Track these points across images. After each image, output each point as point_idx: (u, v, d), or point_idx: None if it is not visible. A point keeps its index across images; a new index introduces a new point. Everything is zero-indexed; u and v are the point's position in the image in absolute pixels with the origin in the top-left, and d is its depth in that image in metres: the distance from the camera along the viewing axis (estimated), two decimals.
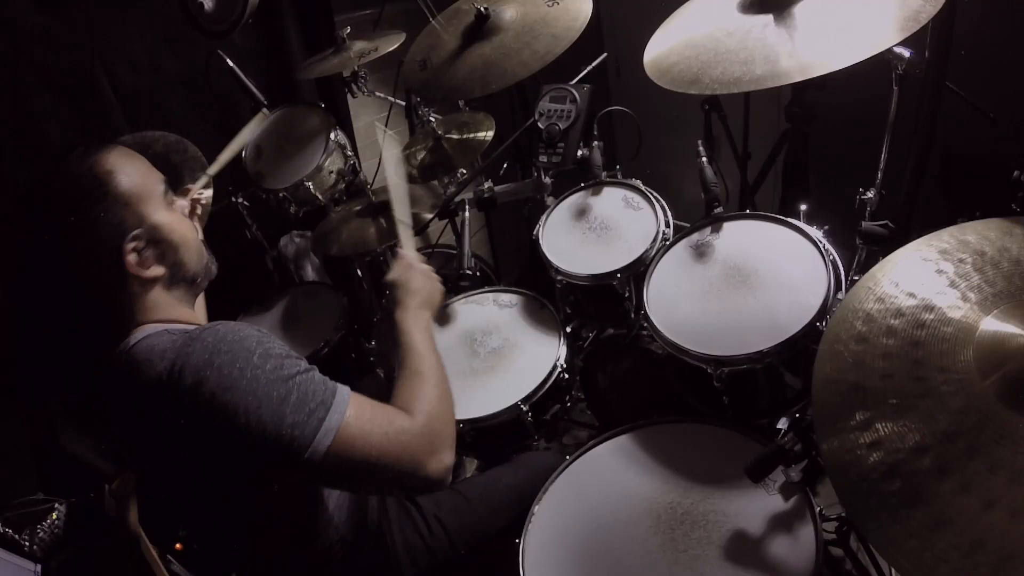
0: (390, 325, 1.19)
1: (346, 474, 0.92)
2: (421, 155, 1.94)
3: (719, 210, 1.52)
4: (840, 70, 1.08)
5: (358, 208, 2.01)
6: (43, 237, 0.93)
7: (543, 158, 1.78)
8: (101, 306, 0.97)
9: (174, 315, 1.01)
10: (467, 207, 1.89)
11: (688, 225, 1.54)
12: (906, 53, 1.33)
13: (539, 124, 1.78)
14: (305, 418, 0.87)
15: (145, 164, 1.02)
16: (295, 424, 0.86)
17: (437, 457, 0.96)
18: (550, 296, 1.69)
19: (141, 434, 0.96)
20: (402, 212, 1.49)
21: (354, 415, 0.91)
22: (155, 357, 0.89)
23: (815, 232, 1.36)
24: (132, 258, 0.95)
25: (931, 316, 0.84)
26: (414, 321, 1.18)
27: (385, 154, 1.59)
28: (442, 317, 1.75)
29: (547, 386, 1.49)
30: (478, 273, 1.92)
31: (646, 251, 1.52)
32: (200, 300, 1.13)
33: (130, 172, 0.97)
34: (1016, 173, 1.25)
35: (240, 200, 2.05)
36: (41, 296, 0.98)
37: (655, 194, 1.65)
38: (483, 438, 1.48)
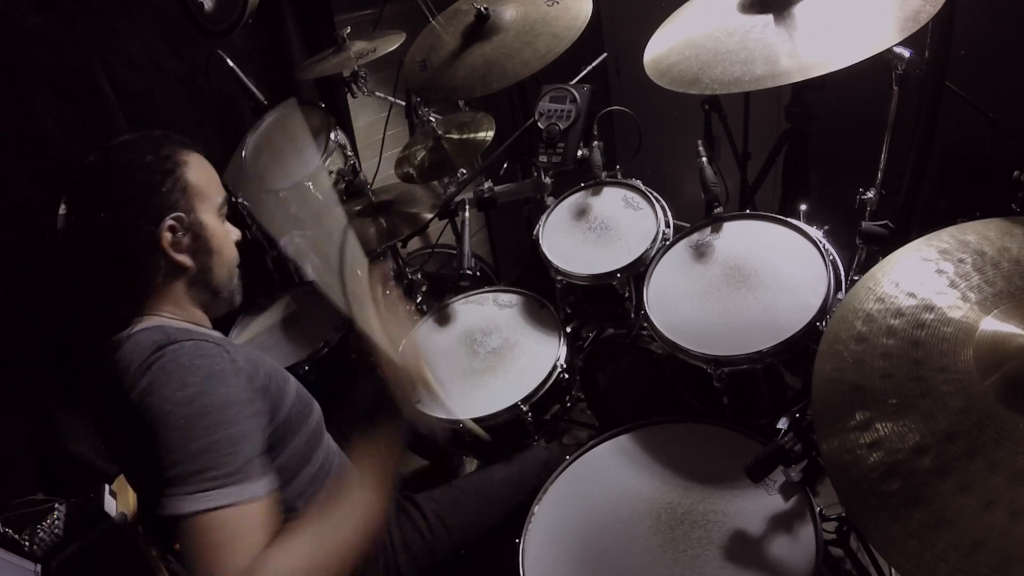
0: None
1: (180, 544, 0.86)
2: (421, 155, 1.94)
3: (719, 210, 1.52)
4: (840, 70, 1.08)
5: (358, 208, 2.01)
6: (111, 184, 0.99)
7: (543, 158, 1.79)
8: (128, 272, 1.01)
9: (186, 313, 1.05)
10: (467, 207, 1.89)
11: (688, 225, 1.54)
12: (906, 53, 1.33)
13: (539, 124, 1.78)
14: (185, 478, 0.84)
15: (216, 177, 1.11)
16: (175, 477, 0.84)
17: None
18: (550, 296, 1.69)
19: (114, 422, 0.99)
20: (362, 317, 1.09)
21: (226, 518, 0.84)
22: (141, 349, 0.93)
23: (815, 232, 1.36)
24: (168, 235, 1.01)
25: (931, 316, 0.84)
26: (381, 471, 1.01)
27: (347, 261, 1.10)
28: (442, 317, 1.76)
29: (547, 386, 1.49)
30: (478, 273, 1.92)
31: (646, 251, 1.52)
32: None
33: (201, 174, 1.07)
34: (1016, 173, 1.25)
35: (240, 200, 2.04)
36: (82, 247, 1.01)
37: (655, 194, 1.65)
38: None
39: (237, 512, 0.85)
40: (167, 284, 1.04)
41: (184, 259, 1.04)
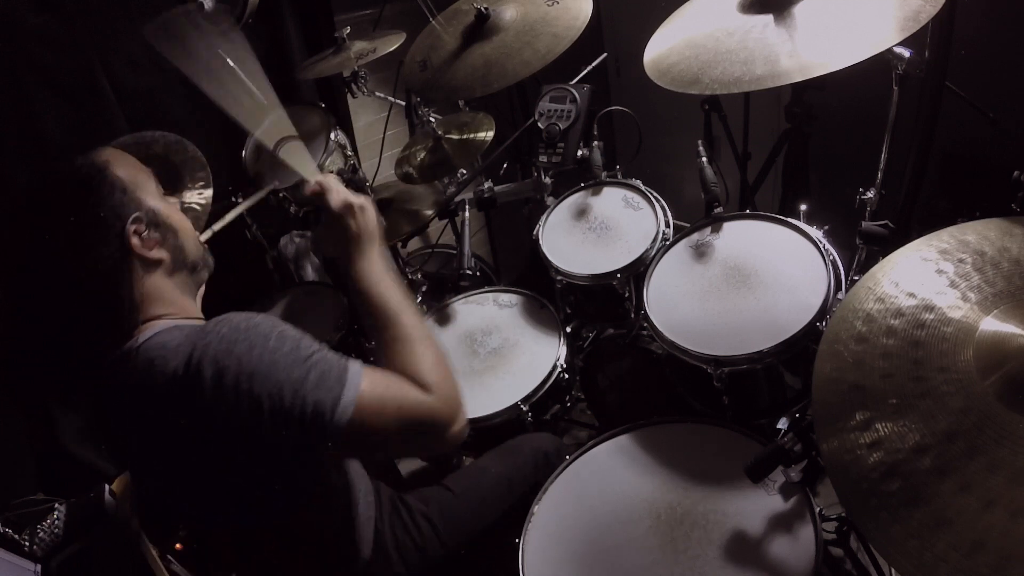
0: (345, 276, 1.12)
1: (368, 442, 0.95)
2: (421, 155, 1.94)
3: (719, 210, 1.52)
4: (840, 70, 1.08)
5: None
6: (48, 229, 0.95)
7: (543, 158, 1.79)
8: (107, 297, 0.97)
9: (179, 307, 1.03)
10: (467, 207, 1.89)
11: (688, 225, 1.54)
12: (906, 53, 1.33)
13: (539, 124, 1.78)
14: (325, 394, 0.88)
15: (135, 160, 1.06)
16: (317, 402, 0.88)
17: (456, 421, 0.98)
18: (550, 296, 1.69)
19: (151, 432, 0.96)
20: (290, 147, 1.33)
21: (368, 387, 0.93)
22: (168, 353, 0.90)
23: (815, 232, 1.36)
24: (136, 240, 0.97)
25: (931, 316, 0.84)
26: (377, 272, 1.09)
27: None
28: (442, 317, 1.76)
29: (547, 386, 1.49)
30: (478, 273, 1.92)
31: (646, 251, 1.52)
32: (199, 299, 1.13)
33: (123, 164, 1.02)
34: (1016, 173, 1.25)
35: (240, 200, 2.04)
36: (47, 293, 0.98)
37: (655, 194, 1.65)
38: (483, 438, 1.48)
39: (368, 381, 0.93)
40: (148, 285, 0.99)
41: (158, 253, 1.00)
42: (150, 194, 1.03)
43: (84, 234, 0.94)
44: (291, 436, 0.88)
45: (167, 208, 1.05)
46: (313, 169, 1.23)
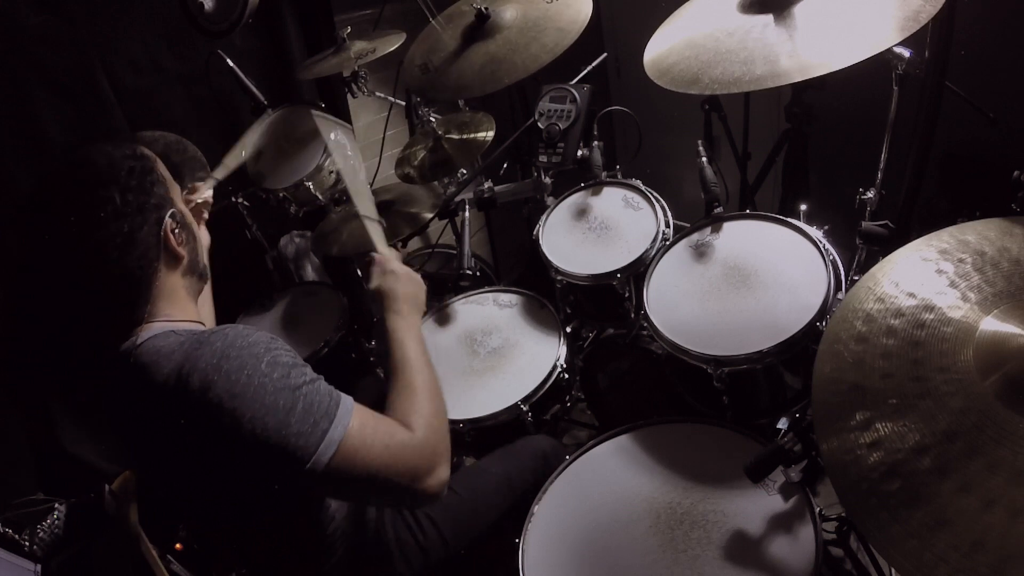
0: (382, 331, 1.18)
1: (346, 485, 0.92)
2: (421, 155, 1.94)
3: (719, 210, 1.52)
4: (840, 70, 1.08)
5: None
6: (90, 211, 0.91)
7: (543, 158, 1.79)
8: (127, 286, 0.96)
9: (183, 308, 1.03)
10: (467, 207, 1.89)
11: (688, 225, 1.54)
12: (906, 53, 1.33)
13: (539, 124, 1.78)
14: (309, 429, 0.87)
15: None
16: (299, 434, 0.86)
17: (435, 473, 0.97)
18: (550, 296, 1.69)
19: (144, 433, 0.97)
20: (365, 207, 1.41)
21: (357, 427, 0.91)
22: (162, 359, 0.89)
23: (815, 232, 1.36)
24: (172, 235, 0.99)
25: (931, 316, 0.84)
26: (407, 328, 1.16)
27: (331, 146, 1.59)
28: (442, 317, 1.75)
29: (547, 386, 1.49)
30: (478, 273, 1.92)
31: (646, 251, 1.52)
32: (208, 299, 1.13)
33: (161, 164, 1.05)
34: (1016, 173, 1.25)
35: (240, 200, 2.04)
36: (60, 284, 0.96)
37: (655, 194, 1.65)
38: (483, 438, 1.48)
39: (358, 421, 0.92)
40: (166, 281, 1.00)
41: (183, 251, 1.02)
42: (178, 196, 1.06)
43: (129, 219, 0.94)
44: (267, 463, 0.86)
45: (188, 212, 1.09)
46: (383, 246, 1.37)
